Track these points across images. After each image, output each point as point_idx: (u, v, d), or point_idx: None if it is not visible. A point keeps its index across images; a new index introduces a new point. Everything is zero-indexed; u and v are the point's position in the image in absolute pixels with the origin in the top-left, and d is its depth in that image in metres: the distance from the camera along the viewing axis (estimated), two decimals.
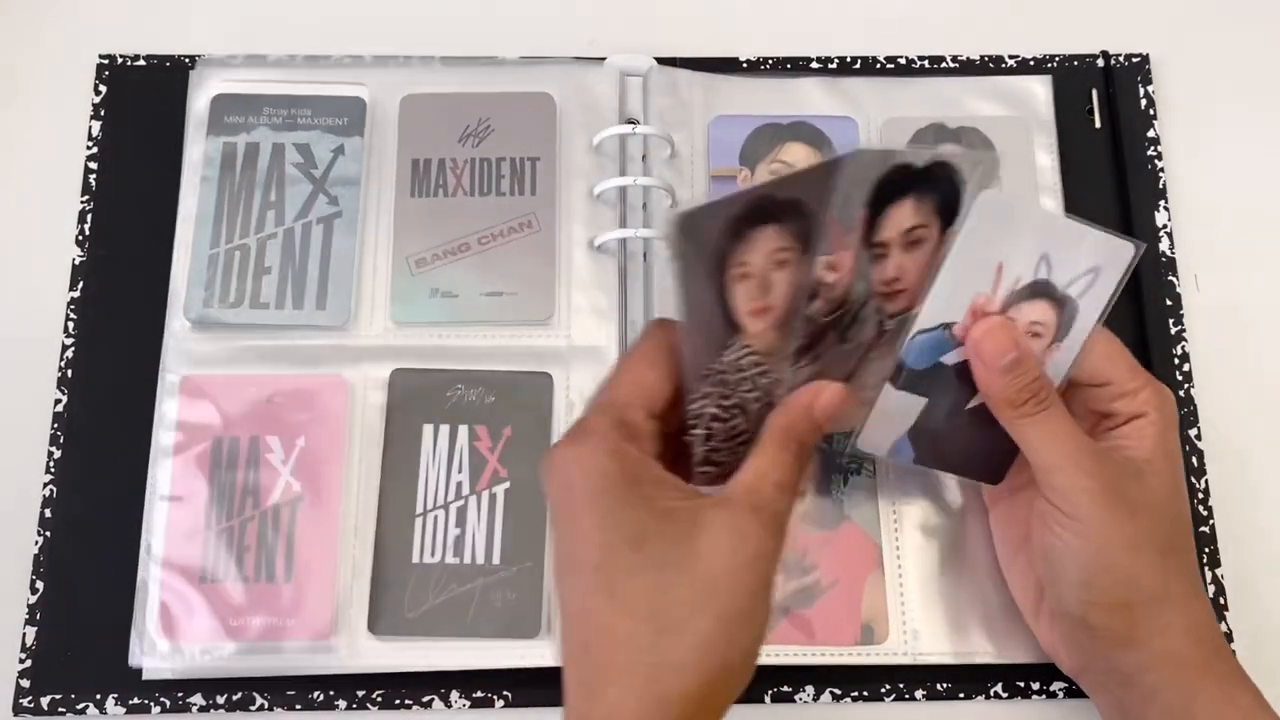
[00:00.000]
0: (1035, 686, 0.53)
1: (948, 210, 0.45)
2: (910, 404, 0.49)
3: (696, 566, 0.38)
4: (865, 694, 0.53)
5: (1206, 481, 0.56)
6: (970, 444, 0.50)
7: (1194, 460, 0.57)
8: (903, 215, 0.44)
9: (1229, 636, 0.54)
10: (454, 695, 0.53)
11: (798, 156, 0.60)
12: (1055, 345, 0.48)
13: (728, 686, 0.39)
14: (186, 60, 0.61)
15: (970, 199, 0.44)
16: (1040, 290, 0.47)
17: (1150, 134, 0.62)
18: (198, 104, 0.60)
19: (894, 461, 0.52)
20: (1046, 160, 0.60)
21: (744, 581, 0.39)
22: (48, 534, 0.54)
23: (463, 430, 0.55)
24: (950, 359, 0.48)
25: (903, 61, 0.63)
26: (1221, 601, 0.54)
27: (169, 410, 0.55)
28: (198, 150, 0.59)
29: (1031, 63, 0.62)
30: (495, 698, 0.53)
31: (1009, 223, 0.46)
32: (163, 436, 0.55)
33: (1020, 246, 0.46)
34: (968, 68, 0.62)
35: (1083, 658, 0.49)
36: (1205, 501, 0.56)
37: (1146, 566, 0.46)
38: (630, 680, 0.38)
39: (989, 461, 0.51)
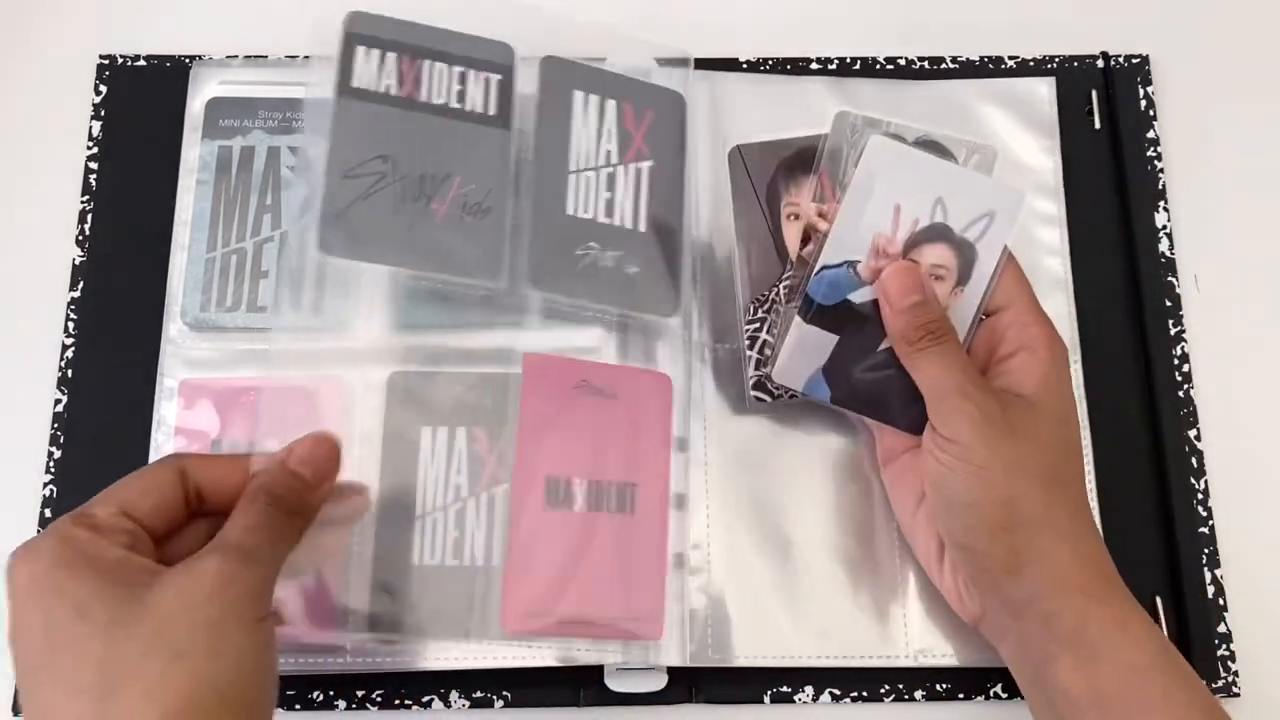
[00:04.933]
0: None
1: None
2: (822, 340, 0.51)
3: (145, 618, 0.39)
4: (865, 694, 0.53)
5: (1206, 482, 0.56)
6: (889, 389, 0.51)
7: (1194, 460, 0.56)
8: None
9: (1227, 636, 0.54)
10: (454, 695, 0.53)
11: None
12: (959, 290, 0.51)
13: (224, 703, 0.39)
14: (187, 60, 0.61)
15: (863, 143, 0.50)
16: (938, 233, 0.51)
17: (1150, 135, 0.61)
18: (195, 106, 0.60)
19: (812, 398, 0.52)
20: (1047, 162, 0.60)
21: (204, 614, 0.39)
22: None
23: (461, 432, 0.55)
24: (859, 298, 0.51)
25: (902, 63, 0.63)
26: (1221, 602, 0.54)
27: (168, 414, 0.55)
28: (194, 153, 0.59)
29: (1031, 64, 0.62)
30: (495, 698, 0.53)
31: (902, 166, 0.51)
32: (162, 441, 0.55)
33: (915, 189, 0.51)
34: (968, 69, 0.62)
35: (979, 597, 0.50)
36: (1205, 502, 0.56)
37: (1025, 489, 0.47)
38: None
39: (907, 410, 0.51)
